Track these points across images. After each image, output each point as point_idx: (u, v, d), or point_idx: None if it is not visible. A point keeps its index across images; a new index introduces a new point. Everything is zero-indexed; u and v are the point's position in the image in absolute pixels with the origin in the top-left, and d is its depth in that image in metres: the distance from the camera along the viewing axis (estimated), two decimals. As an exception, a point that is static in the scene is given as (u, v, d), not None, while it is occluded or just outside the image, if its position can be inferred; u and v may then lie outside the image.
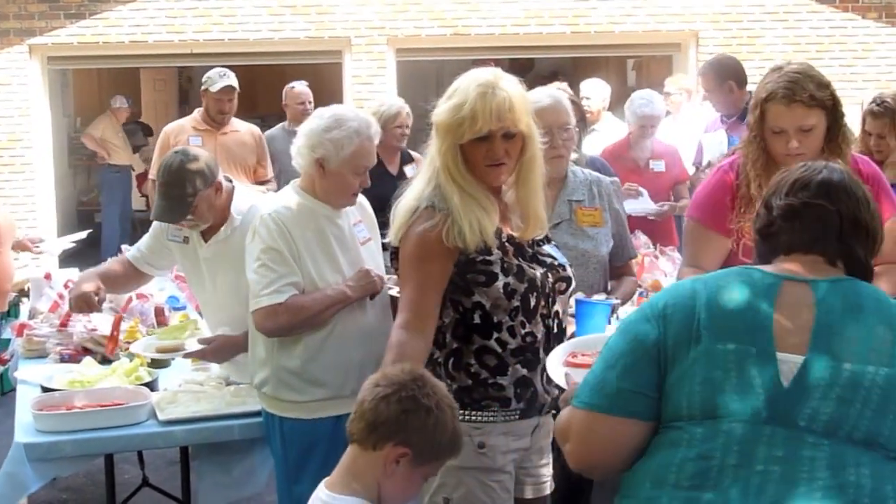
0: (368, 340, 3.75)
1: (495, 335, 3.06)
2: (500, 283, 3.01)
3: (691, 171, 7.32)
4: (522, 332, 3.07)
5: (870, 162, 3.75)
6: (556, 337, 3.17)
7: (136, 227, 13.30)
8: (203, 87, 7.84)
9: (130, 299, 5.19)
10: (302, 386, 3.77)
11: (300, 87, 8.72)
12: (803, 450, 2.09)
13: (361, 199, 3.96)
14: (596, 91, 8.49)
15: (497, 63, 14.86)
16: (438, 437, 2.54)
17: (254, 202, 4.15)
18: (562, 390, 2.66)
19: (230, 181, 4.24)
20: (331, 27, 11.80)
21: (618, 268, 4.19)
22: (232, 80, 7.72)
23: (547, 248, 3.23)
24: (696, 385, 2.16)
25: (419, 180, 3.09)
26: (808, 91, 3.46)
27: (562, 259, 3.25)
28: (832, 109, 3.52)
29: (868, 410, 2.12)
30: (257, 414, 3.94)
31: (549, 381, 3.11)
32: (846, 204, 2.38)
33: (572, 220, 4.02)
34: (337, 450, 3.73)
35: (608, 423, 2.24)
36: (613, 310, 3.67)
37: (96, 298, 4.32)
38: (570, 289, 3.26)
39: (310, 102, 8.57)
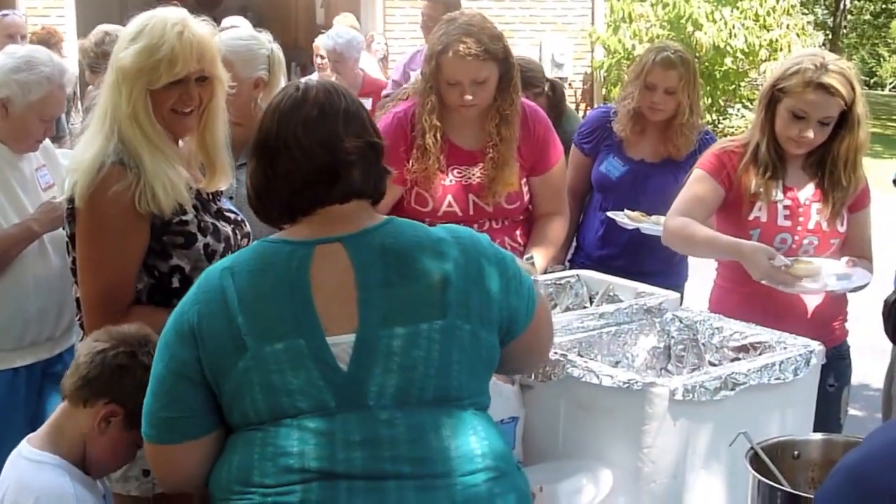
0: (49, 288, 3.54)
1: None
2: (200, 245, 2.83)
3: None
4: None
5: (537, 108, 3.81)
6: None
7: None
8: None
9: None
10: (-25, 338, 3.53)
11: (14, 17, 7.02)
12: (380, 428, 2.01)
13: (47, 143, 3.73)
14: None
15: (183, -3, 14.34)
16: None
17: None
18: None
19: None
20: (0, -46, 11.03)
21: None
22: None
23: (226, 203, 3.07)
24: (257, 394, 2.04)
25: (96, 132, 2.81)
26: (482, 44, 3.48)
27: (240, 213, 3.13)
28: (504, 61, 3.55)
29: (431, 369, 2.05)
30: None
31: None
32: (376, 130, 2.27)
33: None
34: (15, 404, 3.57)
35: (167, 452, 2.13)
36: None
37: None
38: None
39: (22, 37, 6.88)
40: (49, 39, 6.76)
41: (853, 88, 3.27)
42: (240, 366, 2.04)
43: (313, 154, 2.15)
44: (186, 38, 2.74)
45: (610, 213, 4.30)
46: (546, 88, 5.29)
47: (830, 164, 3.38)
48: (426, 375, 2.05)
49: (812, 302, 3.38)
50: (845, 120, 3.32)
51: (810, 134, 3.29)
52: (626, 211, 4.22)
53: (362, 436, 2.01)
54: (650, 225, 4.09)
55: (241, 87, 3.58)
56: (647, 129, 4.38)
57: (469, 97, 3.50)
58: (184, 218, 2.81)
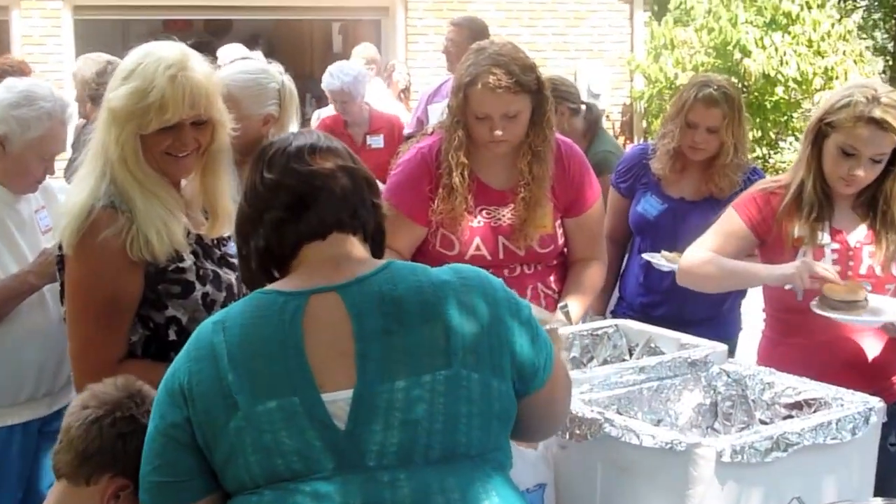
0: (47, 339, 3.56)
1: None
2: (198, 294, 2.86)
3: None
4: None
5: (572, 144, 3.84)
6: None
7: None
8: None
9: None
10: (-31, 393, 3.55)
11: None
12: (382, 491, 2.01)
13: (48, 183, 3.77)
14: None
15: (190, 25, 14.54)
16: None
17: None
18: None
19: None
20: (-5, -20, 11.22)
21: None
22: None
23: (233, 249, 3.02)
24: (250, 457, 2.04)
25: (88, 173, 2.85)
26: (513, 76, 3.49)
27: None
28: (537, 93, 3.57)
29: (437, 424, 2.05)
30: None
31: None
32: (354, 159, 2.30)
33: None
34: (8, 465, 3.57)
35: None
36: None
37: None
38: None
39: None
40: (24, 70, 6.76)
41: None
42: (231, 426, 2.05)
43: (280, 184, 2.21)
44: (179, 82, 2.76)
45: (646, 255, 4.31)
46: (581, 107, 5.37)
47: (883, 204, 3.39)
48: (431, 431, 2.04)
49: (870, 351, 3.37)
50: None
51: (861, 172, 3.30)
52: (664, 252, 4.21)
53: (363, 499, 2.01)
54: None
55: (250, 124, 3.62)
56: (688, 167, 4.41)
57: (499, 132, 3.52)
58: (181, 265, 2.84)
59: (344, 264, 2.19)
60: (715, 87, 4.33)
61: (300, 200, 2.21)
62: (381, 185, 5.65)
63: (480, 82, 3.50)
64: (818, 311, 3.19)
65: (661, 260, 4.19)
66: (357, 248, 2.24)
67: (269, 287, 2.20)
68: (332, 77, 7.12)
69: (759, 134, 13.39)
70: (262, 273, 2.27)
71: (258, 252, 2.26)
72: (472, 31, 6.74)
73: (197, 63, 2.84)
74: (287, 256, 2.23)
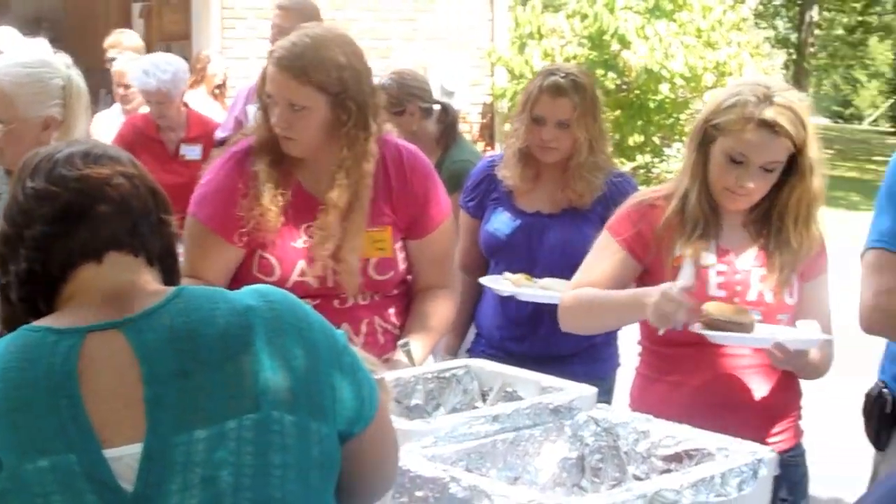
0: None
1: None
2: None
3: None
4: None
5: (416, 152, 3.82)
6: None
7: None
8: None
9: None
10: None
11: None
12: None
13: None
14: None
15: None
16: None
17: None
18: None
19: None
20: None
21: None
22: None
23: None
24: None
25: None
26: (304, 62, 3.48)
27: None
28: (340, 100, 3.53)
29: (245, 479, 2.03)
30: None
31: None
32: (137, 166, 2.27)
33: None
34: None
35: None
36: None
37: None
38: None
39: None
40: None
41: (804, 127, 3.33)
42: None
43: (44, 192, 2.17)
44: None
45: (483, 280, 4.35)
46: (435, 107, 5.43)
47: (777, 221, 3.45)
48: (238, 487, 2.03)
49: (759, 392, 3.43)
50: (795, 166, 3.38)
51: (750, 183, 3.35)
52: (506, 273, 4.23)
53: None
54: (533, 291, 4.08)
55: (25, 128, 3.58)
56: (542, 173, 4.46)
57: (279, 122, 3.51)
58: None
59: (127, 294, 2.16)
60: (562, 74, 4.39)
61: (68, 211, 2.16)
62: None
63: (272, 59, 3.52)
64: (701, 332, 3.22)
65: (502, 283, 4.22)
66: (142, 274, 2.21)
67: (38, 323, 2.16)
68: (147, 75, 7.01)
69: (642, 139, 13.63)
70: (25, 307, 2.22)
71: (19, 279, 2.20)
72: (301, 14, 6.75)
73: None
74: (55, 283, 2.18)
